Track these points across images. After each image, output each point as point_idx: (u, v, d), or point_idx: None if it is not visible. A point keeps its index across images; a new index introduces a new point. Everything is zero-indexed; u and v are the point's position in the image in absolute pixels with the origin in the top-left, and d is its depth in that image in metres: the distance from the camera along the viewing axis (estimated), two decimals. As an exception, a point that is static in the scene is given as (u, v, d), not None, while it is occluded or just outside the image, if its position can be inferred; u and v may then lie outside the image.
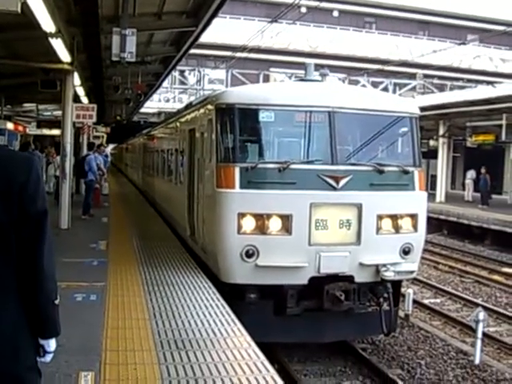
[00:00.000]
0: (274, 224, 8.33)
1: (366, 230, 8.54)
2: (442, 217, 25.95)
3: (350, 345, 9.79)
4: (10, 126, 26.24)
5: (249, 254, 8.27)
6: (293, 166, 8.38)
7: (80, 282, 8.21)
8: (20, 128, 29.61)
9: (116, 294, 7.74)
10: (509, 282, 16.18)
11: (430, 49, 31.00)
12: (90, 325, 6.35)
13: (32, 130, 29.81)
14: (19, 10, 6.96)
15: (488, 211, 25.44)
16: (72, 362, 5.12)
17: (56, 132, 23.79)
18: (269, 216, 8.31)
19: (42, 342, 2.49)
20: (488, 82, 33.64)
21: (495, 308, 13.32)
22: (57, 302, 2.48)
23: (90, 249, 11.13)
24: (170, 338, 6.03)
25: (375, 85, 36.56)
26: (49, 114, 30.36)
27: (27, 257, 2.37)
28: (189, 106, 13.14)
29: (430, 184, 30.84)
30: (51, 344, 2.52)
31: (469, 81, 43.14)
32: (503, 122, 25.45)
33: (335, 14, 49.61)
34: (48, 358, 2.55)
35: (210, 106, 9.53)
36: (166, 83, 32.96)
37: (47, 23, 9.39)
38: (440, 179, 31.18)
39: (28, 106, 29.16)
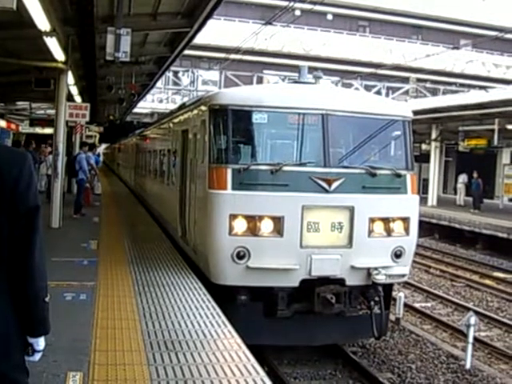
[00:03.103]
0: (266, 226, 8.31)
1: (358, 233, 8.54)
2: (434, 221, 26.03)
3: (341, 348, 9.78)
4: (2, 123, 26.17)
5: (240, 256, 8.25)
6: (285, 168, 8.37)
7: (70, 282, 8.16)
8: (13, 126, 29.52)
9: (106, 294, 7.70)
10: (500, 287, 16.25)
11: (423, 53, 31.08)
12: (79, 324, 6.31)
13: (25, 128, 29.71)
14: (15, 7, 6.93)
15: (479, 215, 25.51)
16: (60, 362, 5.09)
17: (49, 130, 23.72)
18: (260, 218, 8.29)
19: (31, 340, 2.47)
20: (480, 87, 33.83)
21: (486, 312, 13.35)
22: (47, 299, 2.46)
23: (80, 248, 11.07)
24: (159, 338, 6.00)
25: (368, 88, 36.61)
26: (42, 112, 30.24)
27: (19, 253, 2.35)
28: (182, 106, 13.11)
29: (422, 188, 30.93)
30: (40, 342, 2.50)
31: (461, 85, 43.42)
32: (495, 127, 25.63)
33: (329, 17, 49.74)
34: (37, 356, 2.52)
35: (203, 107, 9.51)
36: (159, 84, 32.91)
37: (42, 22, 9.37)
38: (432, 183, 31.29)
39: (21, 104, 29.01)
